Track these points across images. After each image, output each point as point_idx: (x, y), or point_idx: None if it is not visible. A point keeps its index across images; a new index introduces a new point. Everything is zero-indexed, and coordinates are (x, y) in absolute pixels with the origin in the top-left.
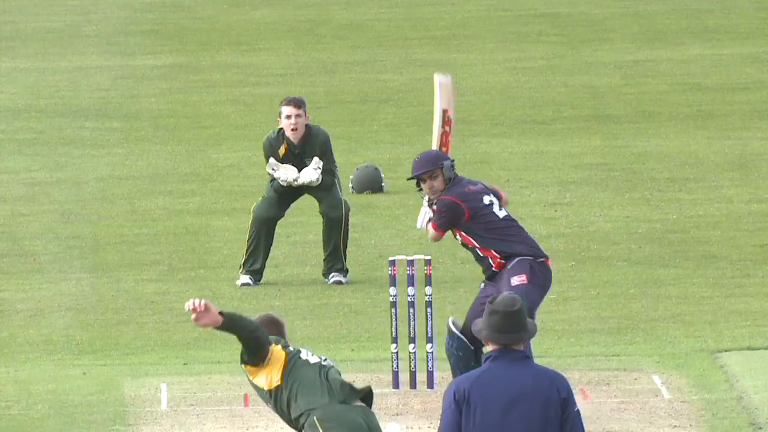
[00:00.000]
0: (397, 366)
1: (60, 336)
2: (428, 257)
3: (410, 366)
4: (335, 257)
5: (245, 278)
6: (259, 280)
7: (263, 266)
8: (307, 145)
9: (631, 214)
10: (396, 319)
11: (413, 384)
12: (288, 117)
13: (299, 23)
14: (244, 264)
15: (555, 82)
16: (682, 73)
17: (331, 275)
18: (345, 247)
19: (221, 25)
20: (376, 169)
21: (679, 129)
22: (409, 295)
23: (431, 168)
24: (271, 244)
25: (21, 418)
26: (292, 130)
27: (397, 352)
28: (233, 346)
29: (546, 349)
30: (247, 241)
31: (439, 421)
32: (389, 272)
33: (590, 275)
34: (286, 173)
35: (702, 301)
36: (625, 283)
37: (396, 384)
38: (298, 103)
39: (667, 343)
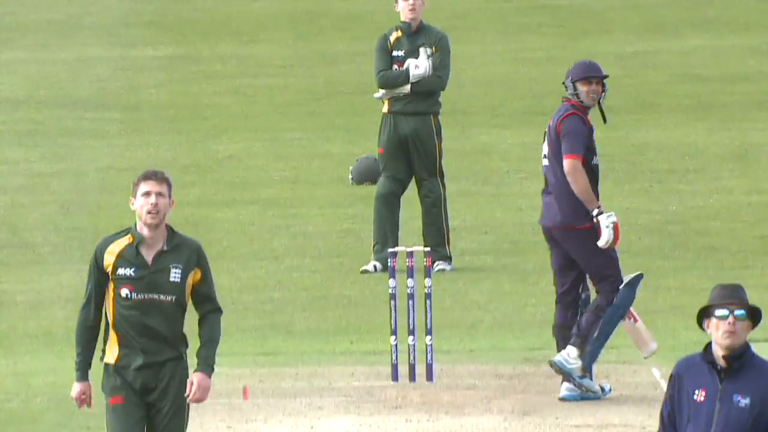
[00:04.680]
0: (396, 358)
1: (60, 328)
2: (427, 249)
3: (409, 358)
4: (439, 243)
5: (369, 265)
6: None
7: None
8: (423, 32)
9: (631, 206)
10: (395, 311)
11: (412, 376)
12: None
13: (299, 14)
14: (373, 248)
15: (555, 74)
16: (682, 64)
17: (436, 264)
18: (447, 231)
19: (221, 16)
20: (375, 160)
21: (679, 120)
22: (408, 287)
23: None
24: (397, 223)
25: (20, 410)
26: (410, 10)
27: (396, 345)
28: (232, 338)
29: (546, 341)
30: (373, 224)
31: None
32: (389, 264)
33: None
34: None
35: (702, 292)
36: (624, 274)
37: (395, 376)
38: None
39: (667, 335)
